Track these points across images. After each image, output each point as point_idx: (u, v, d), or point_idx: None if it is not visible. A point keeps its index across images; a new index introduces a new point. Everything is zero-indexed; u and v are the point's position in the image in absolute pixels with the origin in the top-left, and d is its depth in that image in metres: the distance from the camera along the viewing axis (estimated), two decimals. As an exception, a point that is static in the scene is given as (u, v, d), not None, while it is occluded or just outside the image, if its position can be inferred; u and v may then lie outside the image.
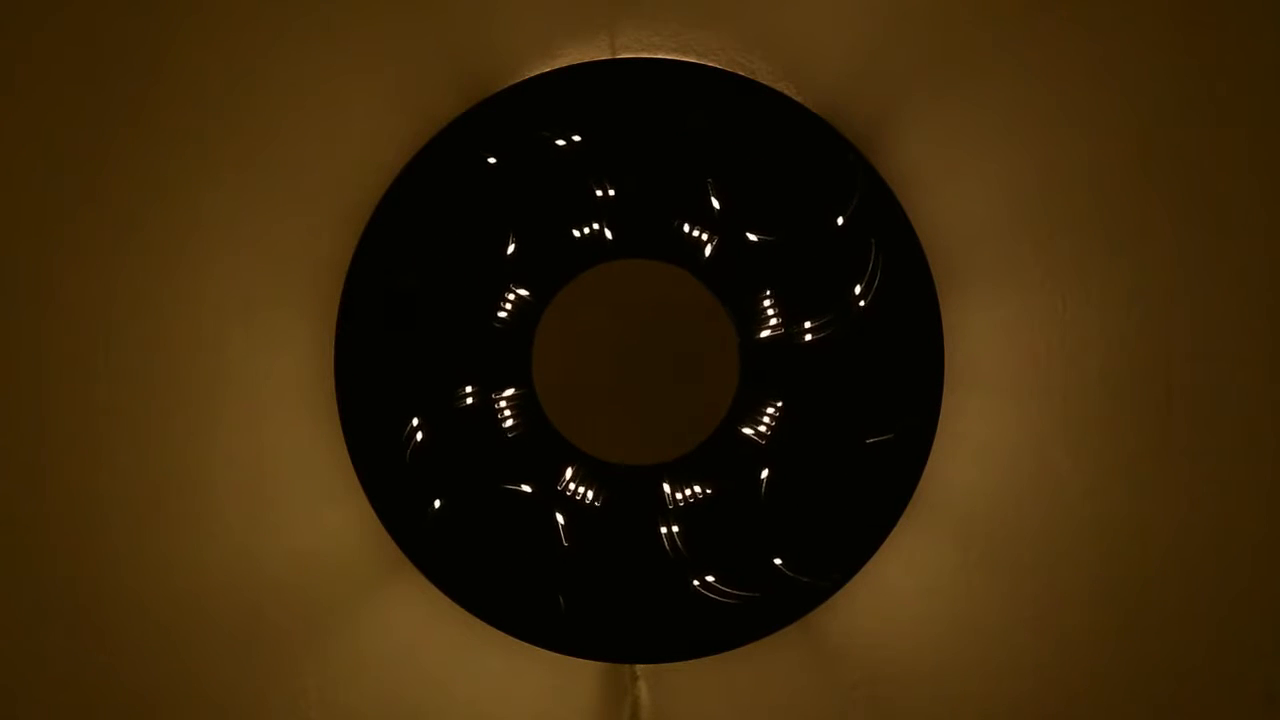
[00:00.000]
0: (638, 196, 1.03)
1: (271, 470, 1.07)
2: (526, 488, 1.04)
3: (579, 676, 1.12)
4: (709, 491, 1.04)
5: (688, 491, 1.04)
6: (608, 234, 1.02)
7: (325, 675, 1.09)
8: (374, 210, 1.03)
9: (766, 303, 1.02)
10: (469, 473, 1.05)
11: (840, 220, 1.02)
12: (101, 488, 1.03)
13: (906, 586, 1.09)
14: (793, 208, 1.03)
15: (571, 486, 1.04)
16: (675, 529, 1.04)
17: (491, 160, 1.03)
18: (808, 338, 1.02)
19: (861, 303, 1.02)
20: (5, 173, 0.99)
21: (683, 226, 1.02)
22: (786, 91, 1.03)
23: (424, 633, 1.10)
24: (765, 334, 1.03)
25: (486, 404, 1.04)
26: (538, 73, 1.03)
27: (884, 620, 1.10)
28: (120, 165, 1.01)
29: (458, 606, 1.05)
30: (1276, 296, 1.02)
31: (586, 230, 1.03)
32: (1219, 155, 1.01)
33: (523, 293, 1.03)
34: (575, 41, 1.05)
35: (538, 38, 1.05)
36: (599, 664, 1.11)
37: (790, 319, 1.02)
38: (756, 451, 1.04)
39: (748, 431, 1.04)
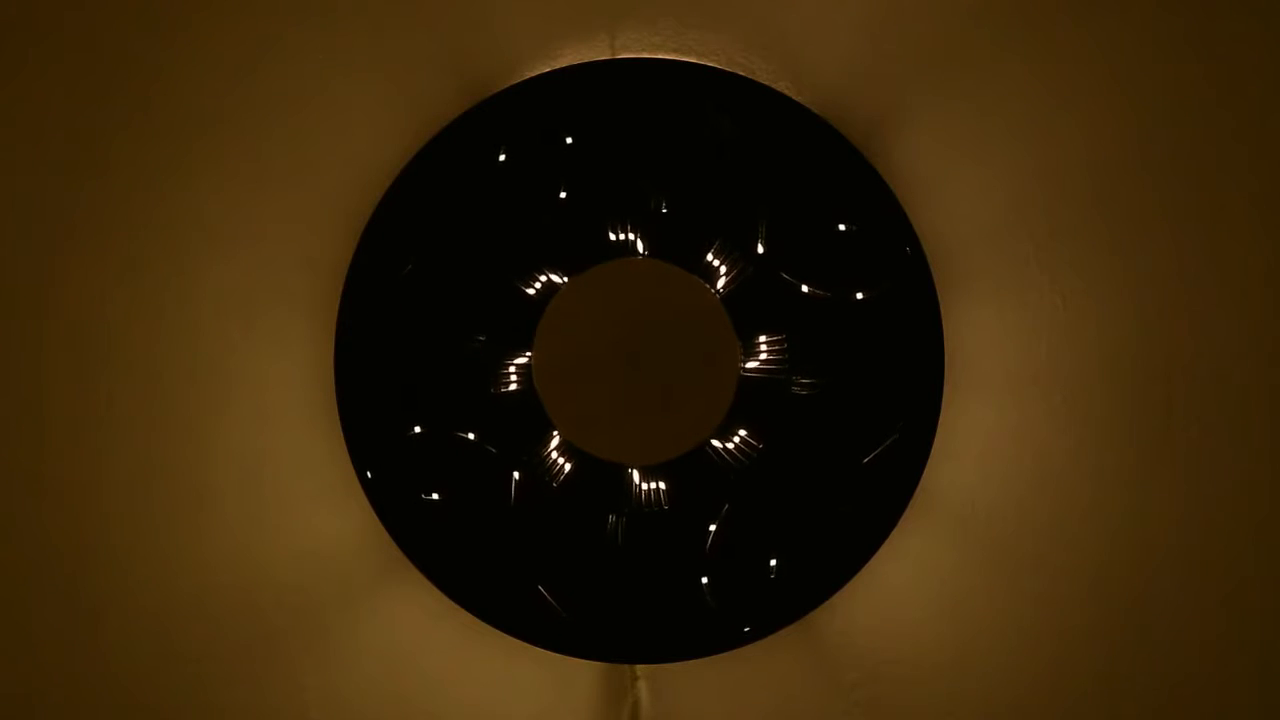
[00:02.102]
0: (659, 201, 1.03)
1: (272, 470, 1.07)
2: (491, 448, 1.03)
3: (579, 676, 1.12)
4: (667, 504, 1.04)
5: (649, 492, 1.04)
6: (624, 236, 1.02)
7: (325, 675, 1.09)
8: (374, 210, 1.03)
9: (777, 344, 1.02)
10: (442, 415, 1.04)
11: (860, 295, 1.02)
12: (101, 488, 1.03)
13: (906, 586, 1.09)
14: (832, 261, 1.03)
15: (539, 459, 1.04)
16: (623, 522, 1.04)
17: (492, 160, 1.03)
18: (801, 391, 1.02)
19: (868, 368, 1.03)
20: (5, 174, 0.99)
21: (713, 241, 1.02)
22: (786, 91, 1.03)
23: (424, 633, 1.10)
24: (764, 373, 1.02)
25: (481, 377, 1.04)
26: (538, 73, 1.03)
27: (884, 620, 1.10)
28: (120, 166, 1.01)
29: (458, 606, 1.05)
30: (1276, 296, 1.02)
31: (608, 231, 1.03)
32: (1219, 155, 1.01)
33: (523, 289, 1.03)
34: (575, 41, 1.05)
35: (538, 38, 1.05)
36: (599, 664, 1.11)
37: (795, 368, 1.02)
38: (723, 482, 1.04)
39: (721, 461, 1.04)
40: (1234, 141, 1.01)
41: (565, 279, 1.02)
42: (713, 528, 1.04)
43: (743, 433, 1.03)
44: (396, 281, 1.03)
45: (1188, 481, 1.04)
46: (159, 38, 1.00)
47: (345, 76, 1.04)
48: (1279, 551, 1.04)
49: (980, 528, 1.08)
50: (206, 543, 1.05)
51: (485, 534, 1.05)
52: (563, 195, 1.03)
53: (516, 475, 1.04)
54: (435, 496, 1.05)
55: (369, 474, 1.04)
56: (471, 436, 1.04)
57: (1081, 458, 1.05)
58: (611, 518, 1.04)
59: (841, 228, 1.02)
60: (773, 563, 1.04)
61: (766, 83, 1.03)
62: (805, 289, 1.02)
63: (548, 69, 1.03)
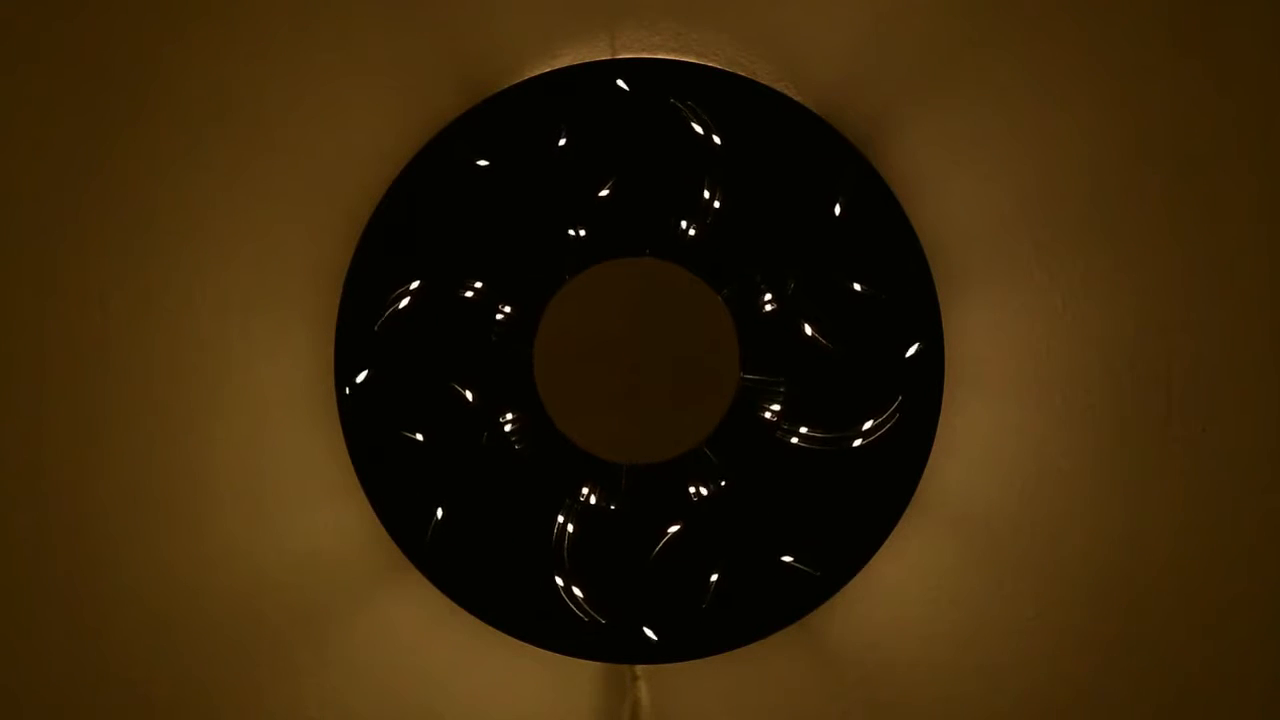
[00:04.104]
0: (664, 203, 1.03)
1: (271, 471, 1.07)
2: (469, 394, 1.04)
3: (579, 676, 1.12)
4: (615, 504, 1.04)
5: (610, 488, 1.05)
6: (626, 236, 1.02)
7: (325, 675, 1.09)
8: (374, 211, 1.03)
9: (777, 388, 1.03)
10: (436, 366, 1.04)
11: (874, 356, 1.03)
12: (101, 488, 1.03)
13: (906, 586, 1.09)
14: (857, 320, 1.03)
15: (510, 431, 1.04)
16: (575, 510, 1.04)
17: (492, 160, 1.03)
18: (786, 438, 1.03)
19: (858, 441, 1.03)
20: (7, 174, 0.99)
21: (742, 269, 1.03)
22: (786, 91, 1.03)
23: (424, 633, 1.10)
24: (758, 413, 1.03)
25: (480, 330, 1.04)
26: (538, 73, 1.03)
27: (884, 620, 1.10)
28: (121, 167, 1.01)
29: (458, 606, 1.05)
30: (1276, 296, 1.02)
31: (582, 231, 1.03)
32: (1218, 154, 1.01)
33: (527, 288, 1.03)
34: (575, 41, 1.05)
35: (538, 38, 1.05)
36: (599, 664, 1.11)
37: (787, 413, 1.03)
38: (681, 503, 1.04)
39: (687, 484, 1.04)
40: (1234, 141, 1.01)
41: (566, 278, 1.02)
42: (673, 529, 1.04)
43: (718, 461, 1.04)
44: (397, 282, 1.03)
45: (1187, 481, 1.04)
46: (159, 40, 1.00)
47: (345, 77, 1.03)
48: (1277, 551, 1.04)
49: (980, 528, 1.08)
50: (206, 543, 1.05)
51: (473, 523, 1.05)
52: (563, 195, 1.03)
53: (486, 435, 1.04)
54: (419, 437, 1.04)
55: (347, 390, 1.03)
56: (469, 395, 1.04)
57: (1081, 457, 1.05)
58: (567, 502, 1.04)
59: (858, 287, 1.02)
60: (713, 579, 1.04)
61: (767, 83, 1.03)
62: (809, 330, 1.02)
63: (548, 69, 1.03)
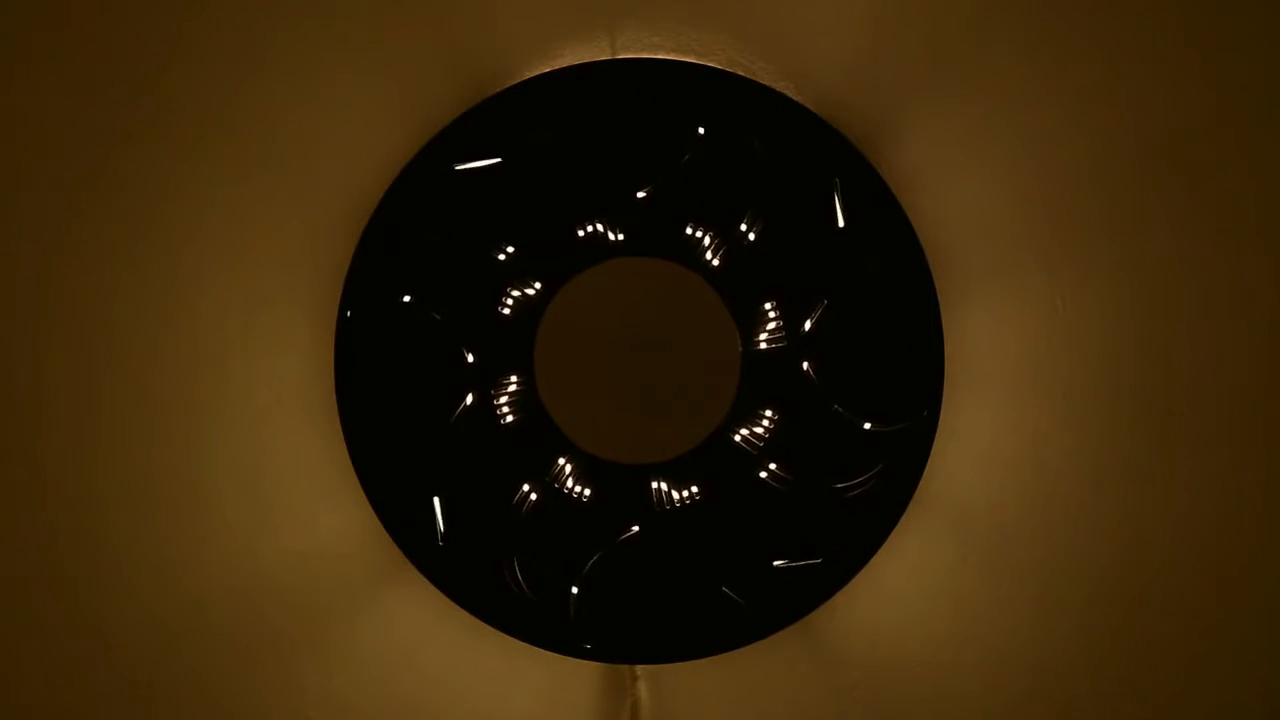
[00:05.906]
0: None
1: (272, 471, 1.07)
2: (470, 355, 1.04)
3: (579, 676, 1.12)
4: (589, 495, 1.04)
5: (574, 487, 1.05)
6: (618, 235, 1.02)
7: (325, 675, 1.09)
8: (374, 211, 1.03)
9: (766, 421, 1.03)
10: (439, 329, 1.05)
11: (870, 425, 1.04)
12: (101, 488, 1.03)
13: (906, 586, 1.09)
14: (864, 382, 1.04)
15: (498, 400, 1.04)
16: (533, 497, 1.05)
17: (491, 160, 1.03)
18: (762, 472, 1.03)
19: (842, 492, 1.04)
20: (6, 174, 0.99)
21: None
22: (786, 91, 1.03)
23: (424, 633, 1.10)
24: (741, 436, 1.04)
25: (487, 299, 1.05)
26: (538, 73, 1.03)
27: (884, 620, 1.10)
28: (121, 168, 1.01)
29: (458, 606, 1.05)
30: (1276, 296, 1.02)
31: (590, 229, 1.03)
32: (1219, 155, 1.01)
33: (525, 290, 1.03)
34: (575, 41, 1.05)
35: (538, 38, 1.05)
36: (599, 664, 1.11)
37: (768, 448, 1.03)
38: (645, 508, 1.04)
39: (656, 491, 1.04)
40: (1235, 142, 1.01)
41: (565, 279, 1.03)
42: (635, 528, 1.05)
43: (694, 482, 1.04)
44: (397, 281, 1.03)
45: (1186, 482, 1.04)
46: (159, 39, 1.00)
47: (345, 77, 1.03)
48: (1277, 551, 1.04)
49: (980, 528, 1.08)
50: (206, 543, 1.05)
51: (448, 491, 1.05)
52: (561, 195, 1.03)
53: (474, 399, 1.04)
54: (410, 388, 1.04)
55: (349, 313, 1.03)
56: (470, 357, 1.04)
57: (1080, 458, 1.05)
58: (526, 488, 1.04)
59: (871, 335, 1.03)
60: (654, 587, 1.05)
61: (767, 83, 1.03)
62: (811, 372, 1.02)
63: (548, 69, 1.03)
